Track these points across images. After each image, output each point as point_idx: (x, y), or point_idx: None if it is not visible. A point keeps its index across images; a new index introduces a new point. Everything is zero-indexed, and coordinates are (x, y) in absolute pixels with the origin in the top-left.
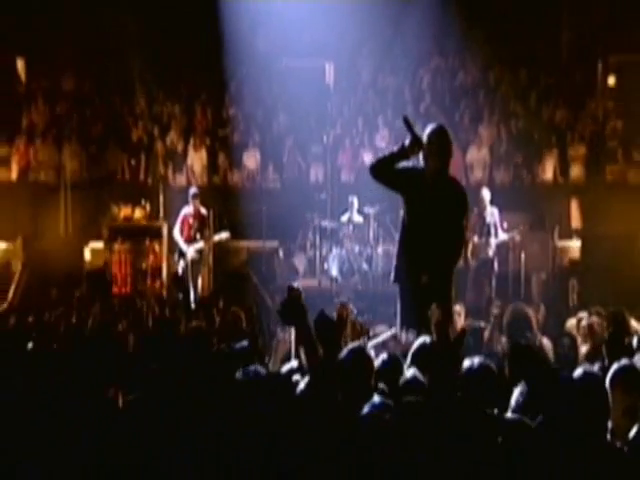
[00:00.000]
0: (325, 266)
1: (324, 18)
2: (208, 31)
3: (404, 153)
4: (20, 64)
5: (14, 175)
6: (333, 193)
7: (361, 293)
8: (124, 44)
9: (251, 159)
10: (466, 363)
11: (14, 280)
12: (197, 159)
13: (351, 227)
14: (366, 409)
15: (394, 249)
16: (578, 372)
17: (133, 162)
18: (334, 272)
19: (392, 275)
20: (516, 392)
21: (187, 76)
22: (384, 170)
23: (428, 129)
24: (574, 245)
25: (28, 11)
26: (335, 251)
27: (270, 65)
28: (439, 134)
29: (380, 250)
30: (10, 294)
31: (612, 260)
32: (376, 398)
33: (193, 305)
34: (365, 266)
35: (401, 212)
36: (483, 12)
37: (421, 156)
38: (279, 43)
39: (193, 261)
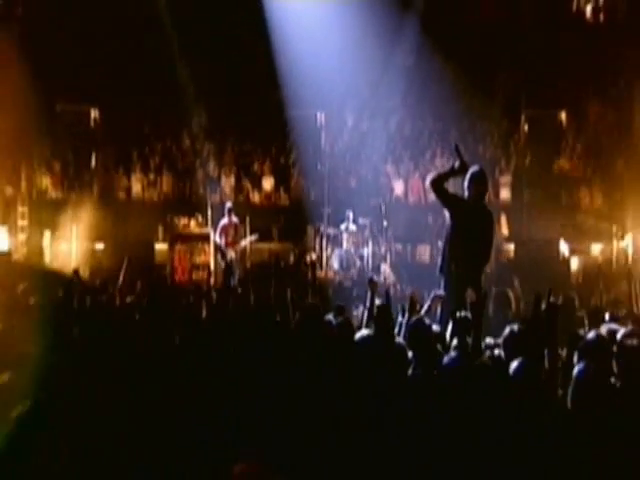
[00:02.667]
0: (329, 262)
1: (318, 78)
2: (234, 89)
3: (453, 172)
4: (94, 113)
5: (95, 195)
6: (330, 208)
7: (356, 282)
8: (174, 97)
9: (267, 183)
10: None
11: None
12: (227, 183)
13: (348, 233)
14: (446, 359)
15: (380, 250)
16: (591, 335)
17: (181, 185)
18: (336, 266)
19: (438, 267)
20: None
21: (220, 122)
22: (440, 185)
23: (475, 168)
24: (509, 248)
25: (99, 71)
26: (336, 251)
27: (279, 114)
28: (482, 173)
29: (370, 250)
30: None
31: (538, 258)
32: (452, 353)
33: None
34: (359, 262)
35: (384, 222)
36: (435, 78)
37: (465, 184)
38: (286, 96)
39: (232, 260)
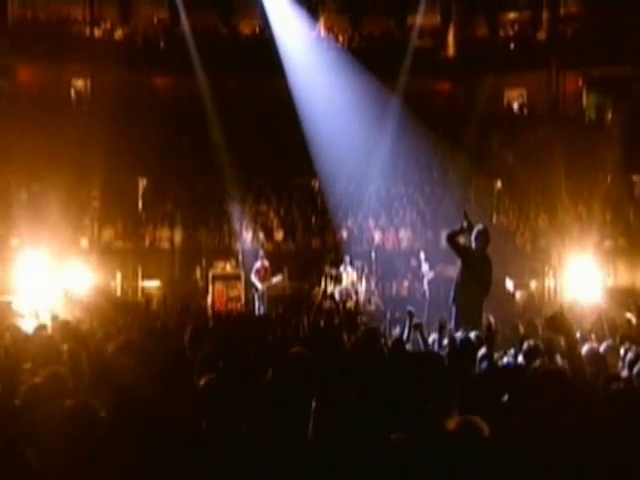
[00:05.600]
0: (332, 295)
1: (313, 154)
2: (252, 163)
3: (461, 231)
4: (141, 182)
5: (147, 244)
6: (330, 254)
7: (352, 312)
8: (207, 169)
9: (278, 235)
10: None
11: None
12: (247, 235)
13: (346, 273)
14: (505, 360)
15: (371, 286)
16: (585, 348)
17: (212, 237)
18: (337, 298)
19: (451, 299)
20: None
21: (241, 190)
22: (453, 239)
23: (480, 226)
24: None
25: (146, 149)
26: (337, 287)
27: (286, 182)
28: (485, 231)
29: (363, 287)
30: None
31: (490, 293)
32: (505, 359)
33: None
34: (354, 296)
35: (373, 265)
36: (405, 154)
37: (472, 238)
38: (288, 167)
39: (263, 293)
